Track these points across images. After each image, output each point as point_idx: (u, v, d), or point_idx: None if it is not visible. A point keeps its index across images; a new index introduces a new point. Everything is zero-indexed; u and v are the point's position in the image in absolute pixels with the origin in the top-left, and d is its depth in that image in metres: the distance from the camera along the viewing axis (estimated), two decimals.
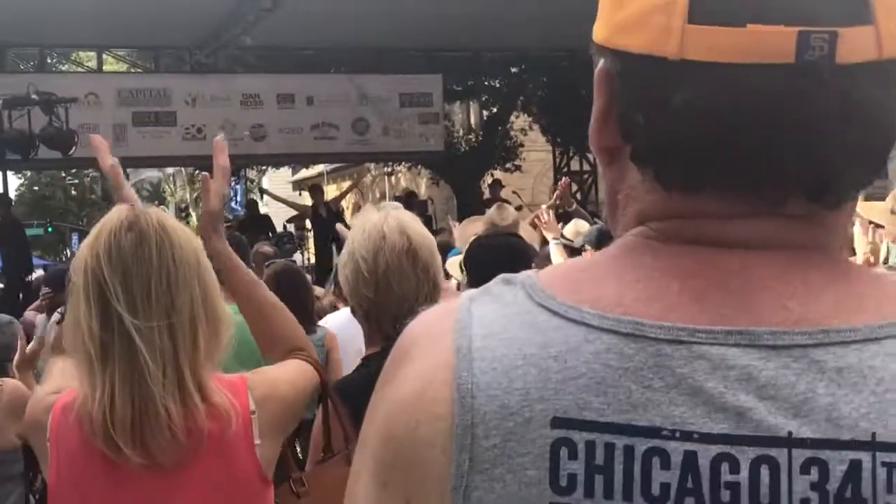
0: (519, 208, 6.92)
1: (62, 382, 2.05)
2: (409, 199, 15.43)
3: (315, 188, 15.65)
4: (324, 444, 2.31)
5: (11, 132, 11.53)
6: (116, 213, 1.94)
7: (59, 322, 3.15)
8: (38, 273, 12.23)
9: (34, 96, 11.57)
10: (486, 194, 17.12)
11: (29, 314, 6.73)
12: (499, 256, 3.47)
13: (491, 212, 5.75)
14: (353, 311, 2.64)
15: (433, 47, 16.97)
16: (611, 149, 0.95)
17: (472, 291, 0.93)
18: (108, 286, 1.84)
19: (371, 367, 2.58)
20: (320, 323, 4.57)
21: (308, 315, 4.30)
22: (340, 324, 4.30)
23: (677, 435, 0.80)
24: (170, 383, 1.85)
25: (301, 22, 13.65)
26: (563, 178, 8.91)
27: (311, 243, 16.02)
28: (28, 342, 3.89)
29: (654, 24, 0.85)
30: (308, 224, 16.32)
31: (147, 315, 1.85)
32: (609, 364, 0.83)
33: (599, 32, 0.96)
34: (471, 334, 0.87)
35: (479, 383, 0.84)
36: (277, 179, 35.04)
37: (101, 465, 1.88)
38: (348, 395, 2.30)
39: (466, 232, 5.68)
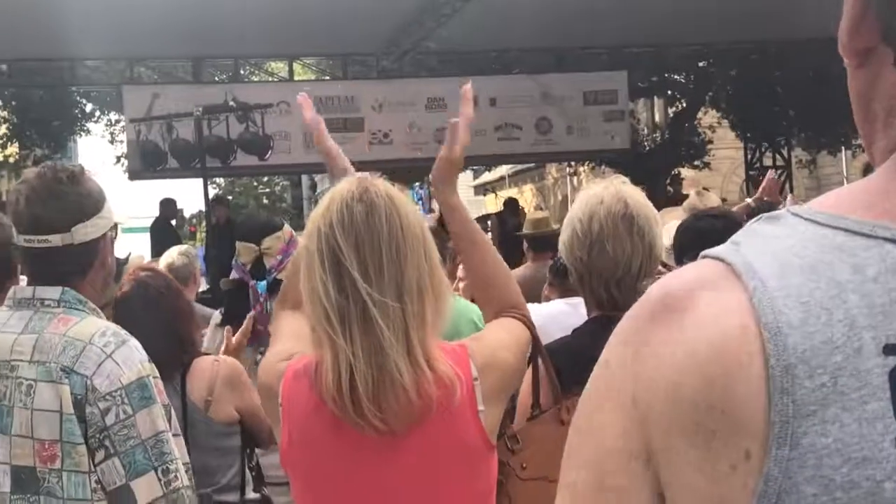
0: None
1: (291, 347, 2.09)
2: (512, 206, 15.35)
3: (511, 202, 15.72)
4: (532, 401, 2.34)
5: (211, 138, 12.05)
6: (346, 184, 1.98)
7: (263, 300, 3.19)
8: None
9: (232, 103, 12.04)
10: (671, 192, 16.75)
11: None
12: (714, 236, 3.33)
13: (691, 198, 5.61)
14: (569, 275, 2.64)
15: (617, 44, 16.73)
16: (864, 51, 0.86)
17: (732, 238, 0.86)
18: (343, 254, 1.88)
19: (579, 336, 2.56)
20: None
21: None
22: (547, 313, 4.25)
23: None
24: (402, 351, 1.87)
25: (482, 24, 13.70)
26: (770, 172, 8.51)
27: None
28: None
29: None
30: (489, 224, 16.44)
31: (379, 284, 1.88)
32: None
33: None
34: (760, 273, 0.78)
35: (790, 321, 0.75)
36: (459, 185, 35.43)
37: (332, 428, 1.92)
38: (553, 357, 2.34)
39: (664, 220, 5.53)
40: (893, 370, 0.73)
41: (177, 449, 2.28)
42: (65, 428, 2.18)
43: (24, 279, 2.51)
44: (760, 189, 7.02)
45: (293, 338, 2.13)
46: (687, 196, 7.25)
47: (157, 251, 10.89)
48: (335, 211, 1.93)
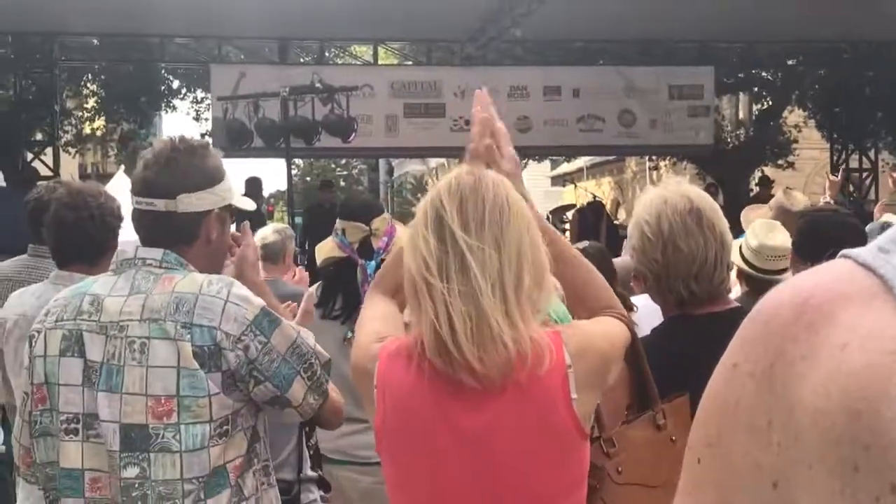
0: None
1: (383, 328, 2.12)
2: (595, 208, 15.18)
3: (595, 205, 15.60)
4: (629, 402, 2.32)
5: (296, 119, 12.14)
6: (457, 170, 2.03)
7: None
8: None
9: (318, 85, 12.14)
10: (756, 191, 16.46)
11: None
12: (838, 231, 3.32)
13: (779, 196, 5.55)
14: (643, 281, 2.63)
15: (705, 38, 16.48)
16: None
17: (877, 243, 0.78)
18: (446, 211, 1.93)
19: (661, 335, 2.55)
20: None
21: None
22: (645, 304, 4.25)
23: None
24: (498, 301, 1.89)
25: (570, 14, 13.60)
26: (831, 176, 8.29)
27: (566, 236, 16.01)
28: None
29: None
30: (569, 216, 16.36)
31: (480, 236, 1.91)
32: None
33: None
34: None
35: None
36: (536, 174, 35.31)
37: (431, 406, 1.95)
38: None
39: (749, 217, 5.47)
40: None
41: (310, 338, 2.43)
42: (182, 383, 2.24)
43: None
44: (829, 191, 6.91)
45: (385, 320, 2.16)
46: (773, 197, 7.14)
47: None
48: (443, 182, 1.99)
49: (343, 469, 3.82)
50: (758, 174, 19.81)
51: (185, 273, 2.35)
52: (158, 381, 2.23)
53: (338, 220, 4.14)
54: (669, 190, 2.53)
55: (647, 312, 3.86)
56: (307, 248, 11.70)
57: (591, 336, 2.04)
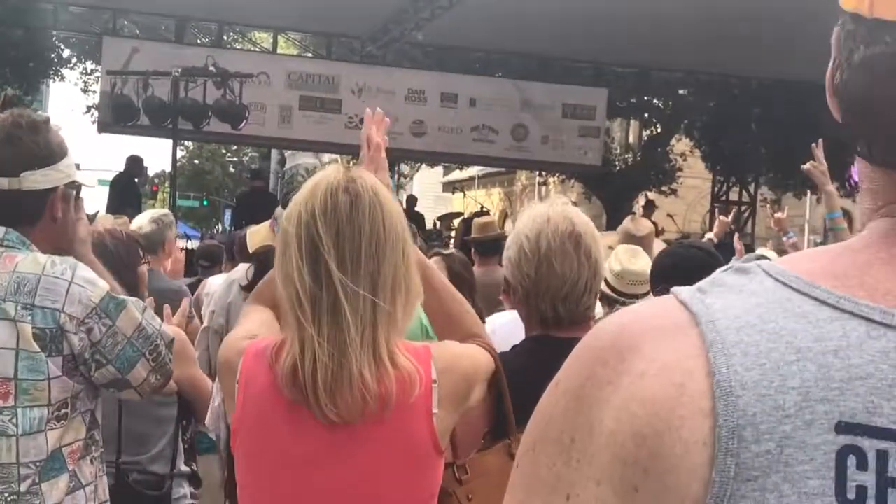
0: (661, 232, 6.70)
1: (257, 330, 2.10)
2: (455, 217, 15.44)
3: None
4: (486, 430, 2.31)
5: (186, 101, 11.93)
6: (333, 171, 1.98)
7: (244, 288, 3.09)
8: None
9: (212, 68, 11.94)
10: (640, 214, 16.84)
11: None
12: (691, 265, 3.37)
13: (626, 223, 5.71)
14: (512, 293, 2.65)
15: (602, 61, 16.81)
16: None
17: (698, 284, 0.84)
18: (322, 243, 1.88)
19: (520, 355, 2.57)
20: None
21: None
22: (501, 322, 4.28)
23: None
24: (366, 346, 1.88)
25: (472, 24, 13.71)
26: (721, 217, 8.51)
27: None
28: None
29: None
30: (455, 224, 16.47)
31: (355, 277, 1.88)
32: None
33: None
34: (720, 327, 0.77)
35: (744, 381, 0.75)
36: (428, 179, 35.43)
37: (286, 411, 1.92)
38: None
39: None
40: (842, 450, 0.72)
41: (156, 320, 2.40)
42: (21, 366, 2.17)
43: None
44: (716, 228, 7.13)
45: (261, 324, 2.14)
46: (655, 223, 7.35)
47: (114, 207, 10.72)
48: (319, 198, 1.92)
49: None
50: (642, 198, 20.31)
51: (27, 253, 2.28)
52: None
53: (278, 209, 4.19)
54: (554, 209, 2.54)
55: (508, 330, 3.91)
56: (233, 232, 11.52)
57: (457, 357, 2.05)
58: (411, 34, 14.25)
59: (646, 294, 3.95)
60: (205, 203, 33.43)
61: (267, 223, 4.30)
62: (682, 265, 3.49)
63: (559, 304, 2.50)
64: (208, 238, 14.38)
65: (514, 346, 2.67)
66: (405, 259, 1.95)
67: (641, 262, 4.08)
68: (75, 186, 2.44)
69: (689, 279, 0.89)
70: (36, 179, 2.31)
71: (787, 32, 12.11)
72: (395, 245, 1.93)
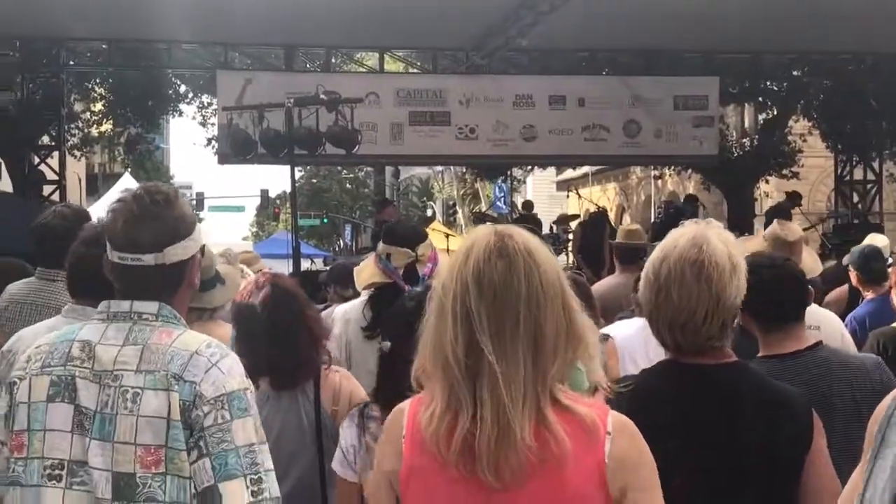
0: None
1: None
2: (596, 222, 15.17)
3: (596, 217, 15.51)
4: None
5: (301, 130, 12.18)
6: (484, 236, 1.96)
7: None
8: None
9: (322, 96, 12.17)
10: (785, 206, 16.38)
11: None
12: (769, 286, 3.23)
13: (773, 227, 5.38)
14: (643, 312, 2.64)
15: (710, 49, 16.50)
16: None
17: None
18: (475, 315, 1.89)
19: (649, 376, 2.58)
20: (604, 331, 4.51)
21: None
22: (625, 334, 4.26)
23: None
24: (529, 409, 1.87)
25: (575, 25, 13.62)
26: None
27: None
28: None
29: None
30: (572, 226, 16.39)
31: (514, 341, 1.88)
32: None
33: None
34: None
35: None
36: (542, 179, 35.31)
37: (447, 482, 1.92)
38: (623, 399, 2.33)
39: (745, 247, 5.39)
40: None
41: (269, 460, 2.33)
42: (171, 434, 2.24)
43: None
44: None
45: None
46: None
47: None
48: (471, 269, 1.91)
49: None
50: (762, 184, 19.83)
51: (183, 329, 2.39)
52: (148, 430, 2.25)
53: (381, 245, 4.21)
54: (688, 234, 2.48)
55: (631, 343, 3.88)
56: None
57: (637, 436, 1.98)
58: (515, 41, 14.24)
59: None
60: (325, 221, 33.98)
61: (372, 258, 4.28)
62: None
63: (677, 331, 2.46)
64: (331, 259, 14.60)
65: (644, 370, 2.66)
66: (566, 312, 1.93)
67: None
68: (203, 250, 2.56)
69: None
70: (177, 252, 2.41)
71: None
72: (555, 300, 1.92)
